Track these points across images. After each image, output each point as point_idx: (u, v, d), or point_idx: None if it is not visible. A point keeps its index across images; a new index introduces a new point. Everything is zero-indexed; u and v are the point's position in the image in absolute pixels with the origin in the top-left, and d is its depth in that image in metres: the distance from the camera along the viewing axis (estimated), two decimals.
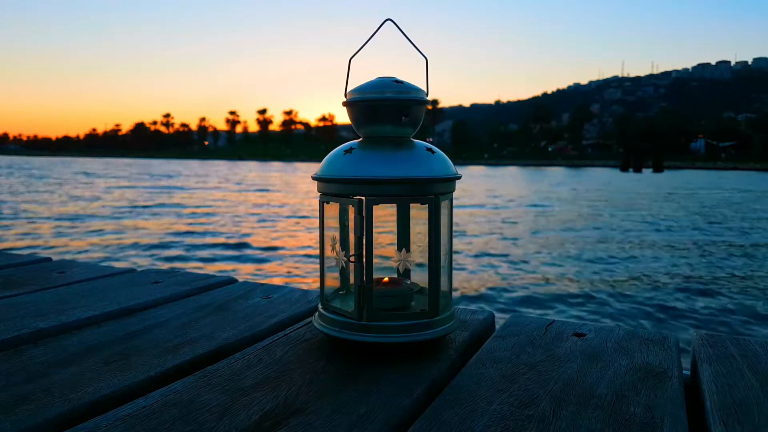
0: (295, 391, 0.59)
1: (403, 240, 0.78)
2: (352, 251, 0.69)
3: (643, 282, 5.99)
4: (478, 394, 0.58)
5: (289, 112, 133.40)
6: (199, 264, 6.74)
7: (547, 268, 6.70)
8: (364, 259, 0.67)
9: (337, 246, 0.73)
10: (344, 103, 0.72)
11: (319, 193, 0.72)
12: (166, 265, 6.26)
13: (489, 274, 6.28)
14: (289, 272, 6.44)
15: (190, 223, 10.34)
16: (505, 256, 7.43)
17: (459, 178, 0.71)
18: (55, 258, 1.28)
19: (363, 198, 0.66)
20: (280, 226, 10.56)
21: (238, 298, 0.95)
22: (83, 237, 8.72)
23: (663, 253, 7.77)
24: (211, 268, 6.45)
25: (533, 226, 10.63)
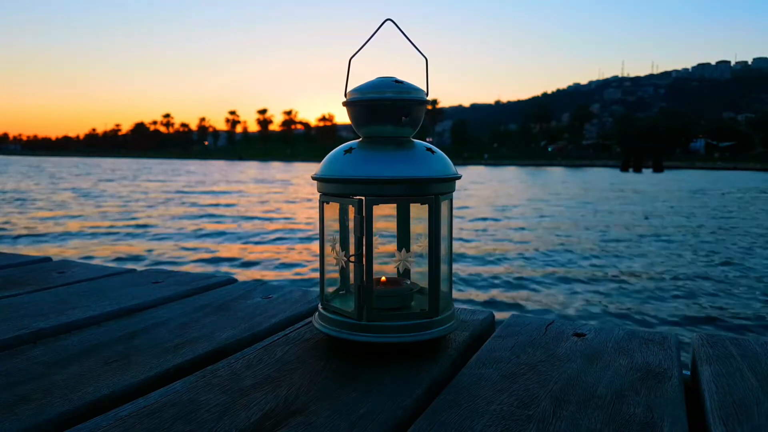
0: (295, 391, 0.59)
1: (403, 240, 0.78)
2: (352, 251, 0.69)
3: None
4: (478, 394, 0.58)
5: (289, 112, 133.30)
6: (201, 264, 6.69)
7: None
8: (364, 259, 0.67)
9: (337, 246, 0.73)
10: (344, 103, 0.72)
11: (319, 193, 0.72)
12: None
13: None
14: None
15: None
16: None
17: (459, 178, 0.71)
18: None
19: (363, 198, 0.66)
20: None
21: (238, 298, 0.95)
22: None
23: None
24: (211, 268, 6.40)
25: None
